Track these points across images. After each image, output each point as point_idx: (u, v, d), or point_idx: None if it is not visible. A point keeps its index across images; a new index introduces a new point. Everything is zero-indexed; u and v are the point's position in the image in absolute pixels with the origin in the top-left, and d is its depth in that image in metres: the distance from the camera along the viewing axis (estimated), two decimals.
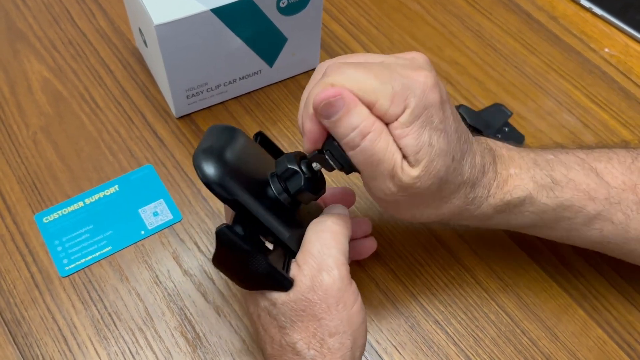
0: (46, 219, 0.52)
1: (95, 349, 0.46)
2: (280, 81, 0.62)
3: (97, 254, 0.50)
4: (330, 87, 0.35)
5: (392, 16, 0.68)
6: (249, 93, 0.61)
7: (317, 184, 0.40)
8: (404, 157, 0.36)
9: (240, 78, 0.58)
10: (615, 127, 0.59)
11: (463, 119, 0.55)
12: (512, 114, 0.59)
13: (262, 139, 0.44)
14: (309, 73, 0.62)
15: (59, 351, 0.46)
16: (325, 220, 0.39)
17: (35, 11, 0.66)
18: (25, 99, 0.59)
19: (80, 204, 0.53)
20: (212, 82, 0.57)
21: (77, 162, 0.55)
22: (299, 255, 0.38)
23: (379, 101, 0.35)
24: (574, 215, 0.42)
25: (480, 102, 0.61)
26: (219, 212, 0.53)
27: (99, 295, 0.49)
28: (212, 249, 0.51)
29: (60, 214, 0.52)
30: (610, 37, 0.67)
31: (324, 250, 0.37)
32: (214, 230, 0.52)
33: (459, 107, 0.57)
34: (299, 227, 0.40)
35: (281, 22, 0.55)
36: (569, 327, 0.48)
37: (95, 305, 0.48)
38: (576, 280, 0.50)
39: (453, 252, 0.51)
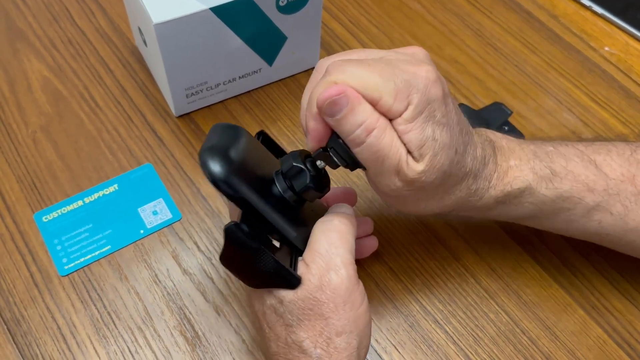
0: (45, 218, 0.52)
1: (94, 348, 0.46)
2: (280, 80, 0.62)
3: (97, 253, 0.50)
4: (333, 85, 0.35)
5: (392, 15, 0.68)
6: (248, 92, 0.61)
7: (322, 182, 0.40)
8: (409, 152, 0.37)
9: (239, 77, 0.58)
10: (615, 126, 0.59)
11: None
12: (512, 112, 0.59)
13: (264, 138, 0.44)
14: (308, 72, 0.62)
15: (58, 350, 0.46)
16: (332, 219, 0.39)
17: (34, 10, 0.66)
18: (24, 98, 0.59)
19: (80, 203, 0.53)
20: (211, 81, 0.57)
21: (76, 161, 0.55)
22: (307, 254, 0.38)
23: (382, 98, 0.35)
24: (572, 207, 0.43)
25: (480, 101, 0.61)
26: (218, 212, 0.53)
27: (98, 294, 0.49)
28: (212, 248, 0.51)
29: (60, 213, 0.52)
30: (610, 36, 0.66)
31: (331, 250, 0.37)
32: (213, 229, 0.52)
33: (459, 106, 0.57)
34: (304, 225, 0.40)
35: (281, 21, 0.55)
36: (568, 326, 0.48)
37: (95, 305, 0.48)
38: (576, 279, 0.50)
39: (452, 251, 0.51)
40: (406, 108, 0.36)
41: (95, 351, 0.46)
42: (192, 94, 0.57)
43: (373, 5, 0.68)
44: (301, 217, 0.41)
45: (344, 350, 0.37)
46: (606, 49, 0.65)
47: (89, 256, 0.50)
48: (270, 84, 0.61)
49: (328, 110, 0.35)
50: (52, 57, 0.62)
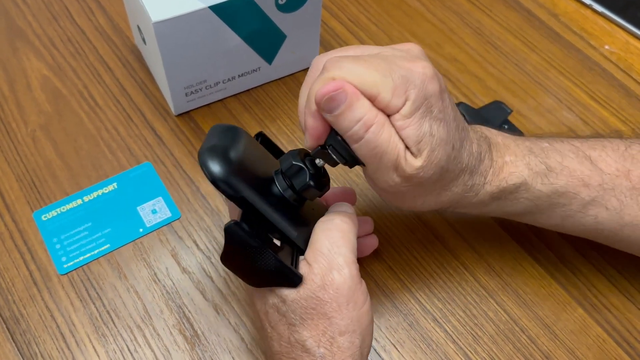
0: (45, 217, 0.52)
1: (93, 346, 0.46)
2: (279, 79, 0.61)
3: (96, 251, 0.50)
4: (331, 81, 0.35)
5: (392, 13, 0.67)
6: (247, 90, 0.61)
7: (321, 180, 0.40)
8: (407, 147, 0.37)
9: (239, 75, 0.58)
10: (615, 125, 0.59)
11: (462, 116, 0.55)
12: (511, 111, 0.58)
13: (263, 139, 0.44)
14: (308, 70, 0.62)
15: (57, 349, 0.46)
16: (333, 218, 0.39)
17: (34, 9, 0.66)
18: (24, 97, 0.59)
19: (79, 201, 0.53)
20: (210, 79, 0.57)
21: (75, 160, 0.55)
22: (308, 254, 0.38)
23: (380, 94, 0.35)
24: (568, 202, 0.43)
25: (480, 100, 0.61)
26: (217, 210, 0.53)
27: (97, 293, 0.49)
28: (211, 247, 0.51)
29: (59, 212, 0.52)
30: (610, 35, 0.66)
31: (333, 249, 0.38)
32: (212, 228, 0.52)
33: (458, 105, 0.57)
34: (305, 225, 0.40)
35: (280, 20, 0.55)
36: (568, 325, 0.48)
37: (94, 303, 0.48)
38: (575, 278, 0.50)
39: (451, 250, 0.51)
40: (404, 104, 0.36)
41: (95, 350, 0.46)
42: (192, 92, 0.57)
43: (372, 3, 0.68)
44: (301, 216, 0.41)
45: (347, 350, 0.37)
46: (606, 47, 0.65)
47: (88, 255, 0.50)
48: (270, 82, 0.61)
49: (326, 106, 0.35)
50: (51, 56, 0.62)
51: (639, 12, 0.67)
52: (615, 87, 0.62)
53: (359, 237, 0.46)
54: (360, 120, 0.35)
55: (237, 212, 0.38)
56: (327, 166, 0.40)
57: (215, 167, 0.36)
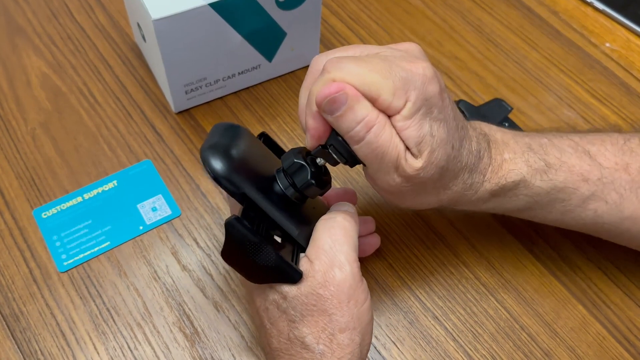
0: (45, 214, 0.52)
1: (93, 344, 0.46)
2: (279, 76, 0.61)
3: (96, 249, 0.50)
4: (332, 83, 0.35)
5: (392, 10, 0.67)
6: (248, 88, 0.60)
7: (323, 178, 0.40)
8: (407, 148, 0.37)
9: (239, 73, 0.58)
10: (616, 122, 0.59)
11: (462, 114, 0.55)
12: (512, 109, 0.58)
13: (266, 140, 0.44)
14: (308, 68, 0.62)
15: (57, 346, 0.46)
16: (336, 216, 0.39)
17: (34, 6, 0.66)
18: (24, 94, 0.59)
19: (79, 199, 0.53)
20: (210, 77, 0.57)
21: (75, 158, 0.55)
22: (310, 250, 0.38)
23: (381, 95, 0.35)
24: (567, 197, 0.43)
25: (480, 97, 0.61)
26: (217, 208, 0.53)
27: (97, 290, 0.49)
28: (211, 245, 0.51)
29: (59, 209, 0.52)
30: (611, 32, 0.66)
31: (335, 247, 0.38)
32: (212, 225, 0.52)
33: (458, 102, 0.57)
34: (306, 223, 0.40)
35: (280, 17, 0.55)
36: (568, 322, 0.48)
37: (94, 301, 0.48)
38: (576, 275, 0.50)
39: (452, 247, 0.51)
40: (404, 105, 0.36)
41: (95, 347, 0.46)
42: (191, 90, 0.57)
43: (373, 0, 0.68)
44: (303, 214, 0.41)
45: (347, 347, 0.37)
46: (607, 45, 0.65)
47: (88, 252, 0.50)
48: (270, 80, 0.61)
49: (327, 107, 0.35)
50: (51, 53, 0.62)
51: None
52: (616, 84, 0.62)
53: (361, 237, 0.46)
54: (361, 121, 0.35)
55: (238, 209, 0.38)
56: (328, 165, 0.40)
57: (217, 164, 0.37)
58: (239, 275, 0.43)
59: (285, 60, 0.60)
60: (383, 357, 0.46)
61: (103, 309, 0.48)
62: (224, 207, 0.53)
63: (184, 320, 0.47)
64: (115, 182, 0.54)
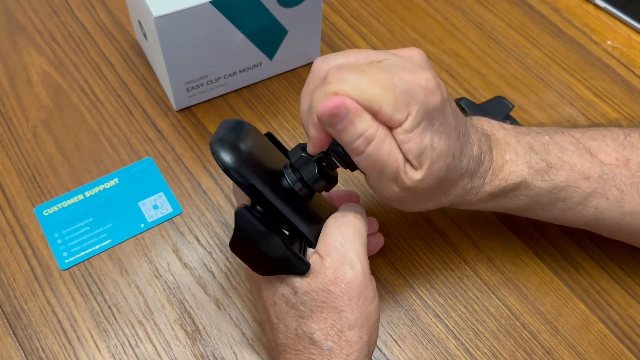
0: (46, 212, 0.52)
1: (94, 341, 0.46)
2: (280, 74, 0.61)
3: (97, 246, 0.50)
4: (333, 97, 0.35)
5: (394, 8, 0.67)
6: (249, 86, 0.60)
7: (330, 173, 0.41)
8: (407, 160, 0.37)
9: (240, 71, 0.58)
10: (617, 120, 0.59)
11: (464, 111, 0.55)
12: (513, 106, 0.58)
13: (271, 140, 0.44)
14: (309, 66, 0.62)
15: (58, 344, 0.46)
16: (347, 214, 0.40)
17: (34, 3, 0.66)
18: (25, 92, 0.59)
19: (80, 196, 0.53)
20: (212, 74, 0.57)
21: (77, 155, 0.55)
22: (320, 247, 0.38)
23: (382, 109, 0.35)
24: (569, 196, 0.43)
25: (482, 95, 0.60)
26: (218, 206, 0.53)
27: (98, 288, 0.49)
28: (212, 242, 0.51)
29: (60, 207, 0.52)
30: (613, 30, 0.66)
31: (347, 244, 0.38)
32: (214, 223, 0.52)
33: (460, 100, 0.57)
34: (312, 217, 0.41)
35: (281, 14, 0.55)
36: (569, 320, 0.48)
37: (95, 298, 0.48)
38: (577, 274, 0.50)
39: (453, 245, 0.51)
40: (406, 118, 0.36)
41: (96, 345, 0.46)
42: (193, 87, 0.57)
43: None
44: (310, 210, 0.41)
45: (355, 344, 0.37)
46: (609, 42, 0.65)
47: (90, 250, 0.50)
48: (271, 77, 0.61)
49: (328, 122, 0.36)
50: (52, 51, 0.62)
51: None
52: (617, 82, 0.62)
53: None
54: (361, 135, 0.35)
55: (246, 201, 0.39)
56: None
57: (227, 156, 0.37)
58: (244, 269, 0.44)
59: (286, 58, 0.60)
60: (384, 354, 0.46)
61: (104, 307, 0.48)
62: (225, 205, 0.53)
63: (185, 318, 0.47)
64: (116, 179, 0.54)
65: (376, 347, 0.46)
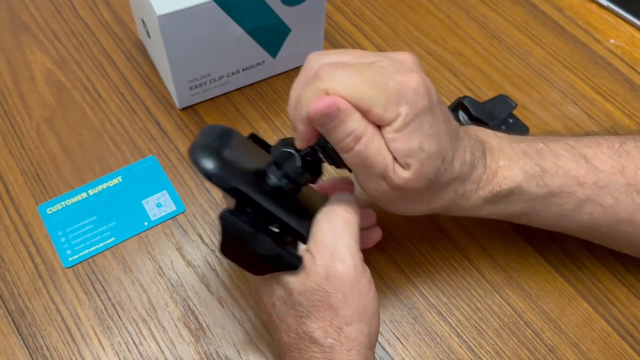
0: (50, 210, 0.52)
1: (99, 339, 0.46)
2: (283, 72, 0.61)
3: (101, 244, 0.50)
4: (325, 97, 0.35)
5: (396, 7, 0.67)
6: (252, 84, 0.60)
7: (314, 165, 0.40)
8: (395, 160, 0.37)
9: (243, 69, 0.58)
10: (620, 119, 0.59)
11: (467, 110, 0.55)
12: (517, 105, 0.58)
13: (256, 140, 0.44)
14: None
15: (62, 341, 0.46)
16: (336, 208, 0.39)
17: (37, 1, 0.66)
18: (28, 90, 0.59)
19: (84, 195, 0.53)
20: (215, 73, 0.57)
21: (80, 153, 0.55)
22: (311, 246, 0.38)
23: (372, 108, 0.36)
24: (563, 202, 0.43)
25: (485, 94, 0.60)
26: (222, 204, 0.53)
27: (102, 286, 0.49)
28: (216, 241, 0.51)
29: (64, 205, 0.52)
30: (615, 28, 0.66)
31: (337, 240, 0.38)
32: (217, 221, 0.52)
33: (463, 98, 0.57)
34: (303, 212, 0.40)
35: (284, 13, 0.55)
36: (572, 319, 0.48)
37: (99, 296, 0.48)
38: (580, 272, 0.50)
39: (456, 244, 0.51)
40: (396, 118, 0.36)
41: (100, 342, 0.46)
42: (196, 86, 0.57)
43: None
44: (299, 204, 0.41)
45: (355, 339, 0.37)
46: (611, 41, 0.65)
47: (93, 248, 0.50)
48: (274, 76, 0.61)
49: (320, 121, 0.36)
50: (55, 49, 0.62)
51: None
52: (620, 81, 0.62)
53: (362, 230, 0.46)
54: (351, 133, 0.36)
55: (232, 205, 0.39)
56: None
57: (208, 162, 0.36)
58: (245, 272, 0.44)
59: (289, 56, 0.60)
60: (387, 352, 0.46)
61: (108, 305, 0.48)
62: (227, 203, 0.53)
63: (188, 316, 0.47)
64: (120, 178, 0.54)
65: (379, 346, 0.46)
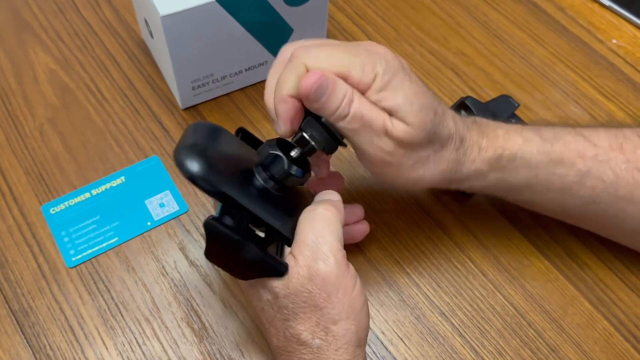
0: (53, 210, 0.52)
1: (102, 339, 0.46)
2: None
3: (104, 244, 0.51)
4: (311, 72, 0.37)
5: (398, 6, 0.67)
6: (254, 84, 0.61)
7: (301, 166, 0.40)
8: (391, 115, 0.39)
9: (245, 69, 0.58)
10: (622, 119, 0.59)
11: (470, 110, 0.55)
12: (519, 105, 0.58)
13: (244, 135, 0.44)
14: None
15: (66, 341, 0.46)
16: (316, 207, 0.39)
17: (40, 1, 0.66)
18: (31, 90, 0.59)
19: (87, 195, 0.53)
20: (217, 73, 0.57)
21: (83, 153, 0.56)
22: (294, 247, 0.38)
23: (351, 72, 0.38)
24: (566, 172, 0.44)
25: (487, 93, 0.61)
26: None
27: (105, 285, 0.49)
28: None
29: (67, 205, 0.52)
30: (618, 28, 0.66)
31: (318, 239, 0.38)
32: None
33: (465, 99, 0.57)
34: (290, 213, 0.40)
35: (287, 13, 0.55)
36: (575, 319, 0.48)
37: (102, 296, 0.48)
38: (583, 272, 0.50)
39: (458, 243, 0.51)
40: (374, 79, 0.38)
41: (103, 342, 0.46)
42: (199, 86, 0.57)
43: None
44: (287, 206, 0.40)
45: (343, 337, 0.37)
46: (614, 41, 0.65)
47: (96, 248, 0.50)
48: None
49: (314, 95, 0.37)
50: (58, 49, 0.62)
51: None
52: (622, 81, 0.62)
53: (349, 225, 0.46)
54: (343, 98, 0.37)
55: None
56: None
57: (192, 164, 0.35)
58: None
59: None
60: (390, 352, 0.46)
61: (111, 304, 0.48)
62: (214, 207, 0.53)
63: (192, 316, 0.48)
64: (123, 178, 0.54)
65: (382, 345, 0.46)
